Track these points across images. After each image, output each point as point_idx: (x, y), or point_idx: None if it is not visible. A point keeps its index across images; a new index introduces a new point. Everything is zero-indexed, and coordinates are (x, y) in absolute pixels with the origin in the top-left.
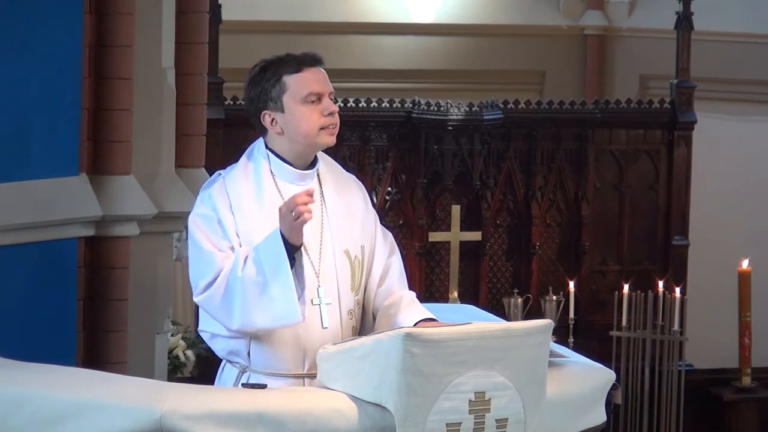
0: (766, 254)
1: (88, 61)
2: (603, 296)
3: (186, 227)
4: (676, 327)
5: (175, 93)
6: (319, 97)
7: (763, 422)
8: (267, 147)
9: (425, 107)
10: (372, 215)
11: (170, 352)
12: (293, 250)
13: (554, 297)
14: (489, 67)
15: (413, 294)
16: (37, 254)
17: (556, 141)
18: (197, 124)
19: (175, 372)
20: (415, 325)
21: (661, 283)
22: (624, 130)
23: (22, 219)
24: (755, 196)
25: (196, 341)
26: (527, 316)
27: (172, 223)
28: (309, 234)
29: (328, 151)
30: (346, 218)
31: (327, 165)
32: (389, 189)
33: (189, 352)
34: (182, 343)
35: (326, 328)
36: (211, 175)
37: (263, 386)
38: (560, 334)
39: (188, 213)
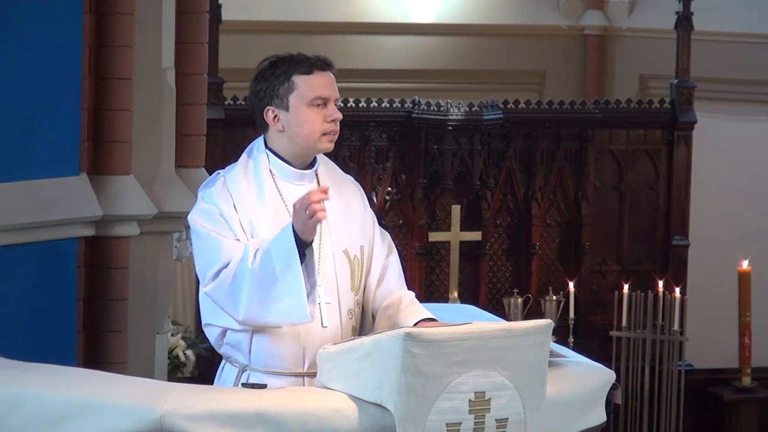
0: (766, 254)
1: (88, 61)
2: (603, 296)
3: (186, 227)
4: (676, 327)
5: (175, 93)
6: (325, 102)
7: (763, 422)
8: (267, 146)
9: (425, 107)
10: (370, 215)
11: (170, 352)
12: (305, 246)
13: (554, 297)
14: (489, 67)
15: (412, 294)
16: (37, 254)
17: (556, 141)
18: (197, 124)
19: (175, 372)
20: (415, 325)
21: (661, 283)
22: (624, 130)
23: (22, 219)
24: (755, 196)
25: (196, 341)
26: (527, 316)
27: (172, 223)
28: None
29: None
30: (344, 218)
31: (326, 165)
32: (389, 189)
33: (189, 352)
34: (182, 343)
35: (326, 327)
36: (210, 175)
37: (263, 386)
38: (560, 334)
39: (188, 213)
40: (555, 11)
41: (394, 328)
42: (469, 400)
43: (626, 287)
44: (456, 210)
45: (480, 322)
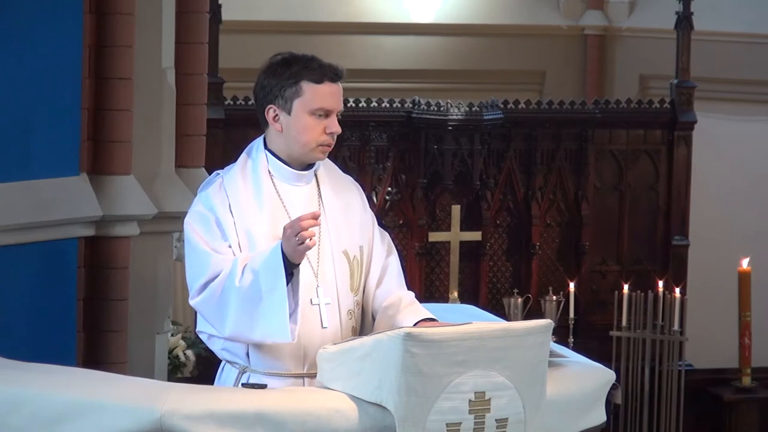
0: (766, 254)
1: (88, 61)
2: (603, 296)
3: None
4: (676, 327)
5: (175, 93)
6: (327, 114)
7: (763, 422)
8: (266, 146)
9: (425, 107)
10: (369, 216)
11: (170, 352)
12: (292, 266)
13: (554, 297)
14: (489, 67)
15: (412, 294)
16: (37, 254)
17: (556, 141)
18: (197, 124)
19: (175, 372)
20: (414, 325)
21: (661, 283)
22: (624, 130)
23: (22, 219)
24: (755, 196)
25: (196, 341)
26: (527, 316)
27: (172, 223)
28: None
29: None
30: (344, 219)
31: (325, 166)
32: (389, 189)
33: (189, 352)
34: (182, 343)
35: (326, 328)
36: (210, 175)
37: (263, 386)
38: (560, 334)
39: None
40: (555, 11)
41: (394, 328)
42: (469, 400)
43: (626, 287)
44: (456, 210)
45: (480, 322)
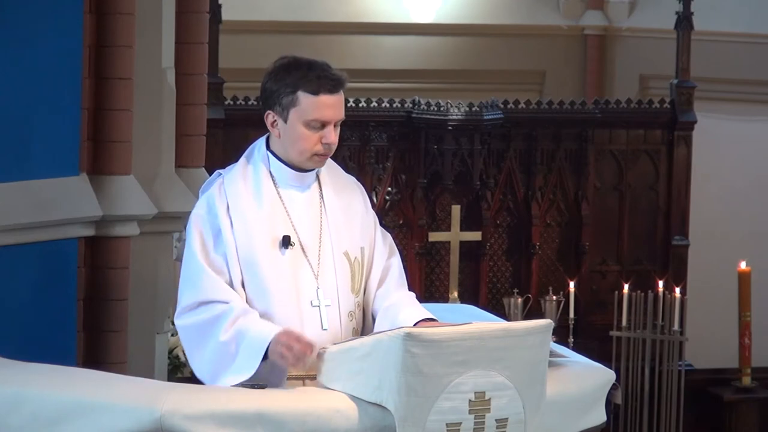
0: (766, 254)
1: (88, 61)
2: (603, 296)
3: (185, 228)
4: (676, 327)
5: (175, 93)
6: (323, 125)
7: (763, 422)
8: (268, 147)
9: (425, 107)
10: (371, 217)
11: (170, 352)
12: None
13: (554, 297)
14: (489, 67)
15: (413, 294)
16: (37, 254)
17: (556, 141)
18: (197, 124)
19: (175, 372)
20: (415, 325)
21: (661, 283)
22: (624, 130)
23: (22, 219)
24: (755, 196)
25: None
26: (527, 316)
27: (172, 223)
28: (308, 236)
29: None
30: (345, 220)
31: (327, 166)
32: (389, 189)
33: None
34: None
35: (326, 329)
36: (210, 175)
37: (263, 386)
38: (560, 334)
39: (188, 213)
40: (555, 11)
41: (394, 329)
42: (469, 400)
43: (626, 287)
44: (456, 210)
45: (480, 322)
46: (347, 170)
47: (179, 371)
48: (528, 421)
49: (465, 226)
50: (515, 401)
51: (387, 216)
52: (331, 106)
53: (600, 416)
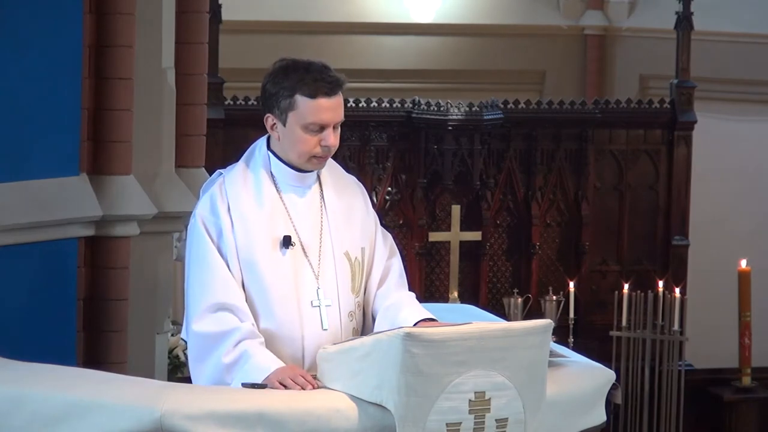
0: (766, 254)
1: (88, 61)
2: (603, 296)
3: (186, 227)
4: (676, 327)
5: (175, 93)
6: (322, 128)
7: (763, 422)
8: (269, 148)
9: (425, 107)
10: (372, 217)
11: (170, 352)
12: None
13: (554, 297)
14: (489, 67)
15: (413, 295)
16: (37, 254)
17: (556, 141)
18: (197, 124)
19: (175, 372)
20: (414, 325)
21: (661, 283)
22: (624, 130)
23: (22, 219)
24: (755, 196)
25: None
26: (527, 316)
27: (172, 223)
28: (309, 236)
29: None
30: (346, 220)
31: (328, 166)
32: (389, 189)
33: None
34: (182, 343)
35: (326, 329)
36: (211, 175)
37: (263, 386)
38: (560, 334)
39: (188, 213)
40: (555, 11)
41: (394, 328)
42: (469, 400)
43: (626, 287)
44: (456, 210)
45: (480, 322)
46: (347, 170)
47: (179, 371)
48: (528, 421)
49: (465, 226)
50: (515, 401)
51: (387, 216)
52: (328, 108)
53: (600, 416)
